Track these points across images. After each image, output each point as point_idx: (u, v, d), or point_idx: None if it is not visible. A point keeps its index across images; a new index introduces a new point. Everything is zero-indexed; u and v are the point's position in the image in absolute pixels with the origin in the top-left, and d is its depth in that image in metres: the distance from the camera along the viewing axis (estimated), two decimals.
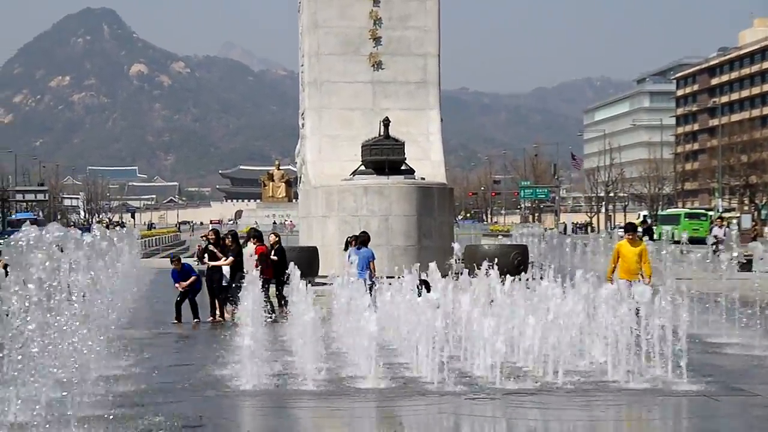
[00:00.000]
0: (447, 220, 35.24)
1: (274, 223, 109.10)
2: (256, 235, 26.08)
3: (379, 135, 33.41)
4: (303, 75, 38.81)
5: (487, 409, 13.90)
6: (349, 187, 33.41)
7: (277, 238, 26.67)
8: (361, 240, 24.63)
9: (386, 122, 33.04)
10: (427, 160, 36.13)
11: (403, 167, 33.58)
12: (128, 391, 14.73)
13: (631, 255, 21.47)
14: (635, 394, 14.73)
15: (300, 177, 39.60)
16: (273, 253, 25.77)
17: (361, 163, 33.81)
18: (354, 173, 33.81)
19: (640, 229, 27.74)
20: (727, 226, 35.00)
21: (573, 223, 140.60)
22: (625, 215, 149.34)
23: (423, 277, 20.96)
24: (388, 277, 24.63)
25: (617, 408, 14.09)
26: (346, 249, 26.01)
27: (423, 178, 33.89)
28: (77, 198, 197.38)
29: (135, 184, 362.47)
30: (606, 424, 13.45)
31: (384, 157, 33.22)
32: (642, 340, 16.20)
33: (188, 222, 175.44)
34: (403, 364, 17.29)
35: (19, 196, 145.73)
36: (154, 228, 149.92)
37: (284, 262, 24.55)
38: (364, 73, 37.37)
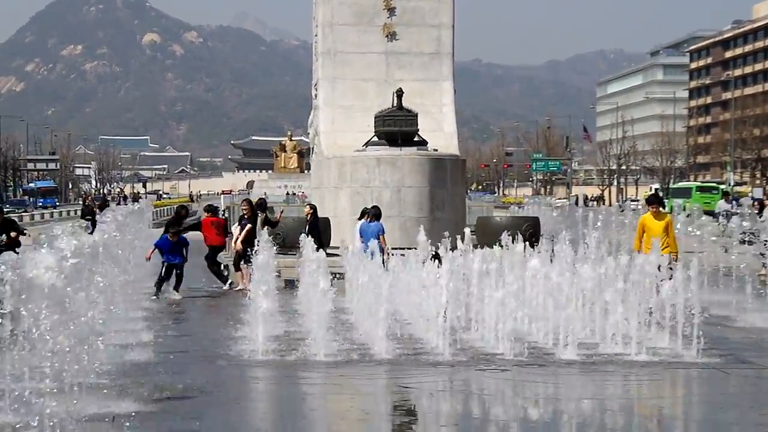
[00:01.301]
0: (459, 192, 35.25)
1: (287, 194, 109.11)
2: (210, 209, 27.60)
3: (393, 106, 33.36)
4: (317, 45, 38.75)
5: (499, 381, 13.98)
6: (362, 158, 33.40)
7: (311, 209, 27.51)
8: (372, 214, 24.72)
9: (400, 93, 32.97)
10: (440, 132, 36.08)
11: (416, 139, 33.53)
12: (140, 360, 14.84)
13: (657, 228, 20.41)
14: (646, 366, 14.80)
15: (312, 148, 39.60)
16: (308, 223, 26.74)
17: (374, 134, 33.79)
18: (367, 144, 33.79)
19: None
20: (734, 200, 34.81)
21: (585, 195, 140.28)
22: (636, 188, 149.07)
23: (435, 251, 21.01)
24: (394, 249, 24.82)
25: (629, 380, 14.14)
26: (361, 218, 26.13)
27: (436, 150, 33.87)
28: (89, 167, 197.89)
29: (147, 153, 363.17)
30: (618, 395, 13.52)
31: (397, 128, 33.16)
32: (656, 313, 16.22)
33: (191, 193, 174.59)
34: (413, 336, 17.36)
35: (30, 165, 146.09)
36: (163, 198, 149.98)
37: (319, 232, 26.29)
38: (378, 43, 37.28)
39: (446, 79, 37.59)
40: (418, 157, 32.95)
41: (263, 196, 37.30)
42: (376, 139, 33.76)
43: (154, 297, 23.82)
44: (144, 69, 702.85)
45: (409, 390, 13.37)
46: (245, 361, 15.04)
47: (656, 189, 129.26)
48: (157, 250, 24.60)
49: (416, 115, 33.42)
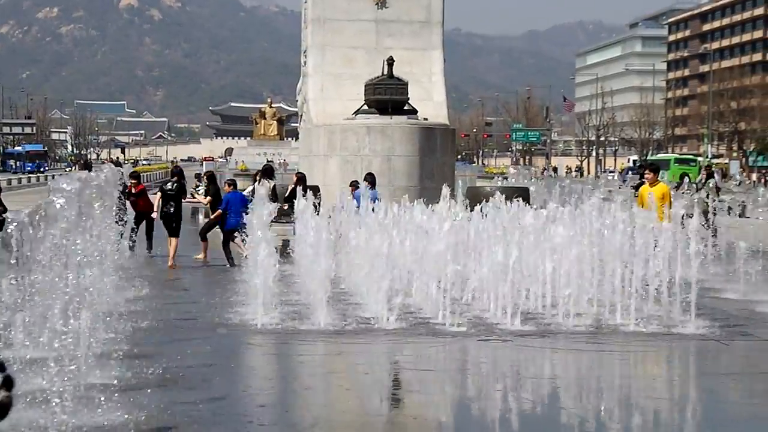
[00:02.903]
0: (449, 161, 35.43)
1: (268, 161, 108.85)
2: (134, 176, 27.88)
3: (383, 74, 33.48)
4: (306, 12, 38.79)
5: (498, 351, 14.22)
6: (352, 126, 33.54)
7: (299, 175, 27.71)
8: (369, 181, 24.97)
9: (390, 61, 33.08)
10: (430, 101, 36.25)
11: (406, 107, 33.70)
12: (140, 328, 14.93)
13: (653, 197, 20.70)
14: (645, 337, 15.03)
15: (301, 115, 39.70)
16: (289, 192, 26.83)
17: (364, 102, 33.92)
18: (357, 112, 33.93)
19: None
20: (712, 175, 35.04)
21: (566, 166, 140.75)
22: (615, 159, 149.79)
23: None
24: None
25: (627, 350, 14.40)
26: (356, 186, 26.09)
27: (426, 119, 34.04)
28: (65, 132, 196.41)
29: (123, 119, 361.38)
30: (617, 365, 13.81)
31: (387, 96, 33.31)
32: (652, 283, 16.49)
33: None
34: (411, 306, 17.47)
35: (6, 129, 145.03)
36: (138, 165, 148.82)
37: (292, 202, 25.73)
38: (368, 11, 37.34)
39: (436, 48, 37.73)
40: (408, 126, 33.11)
41: (270, 162, 37.35)
42: (366, 107, 33.89)
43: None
44: (121, 33, 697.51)
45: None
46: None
47: (634, 161, 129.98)
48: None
49: (407, 84, 33.55)
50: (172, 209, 25.13)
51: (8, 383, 6.07)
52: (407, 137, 32.95)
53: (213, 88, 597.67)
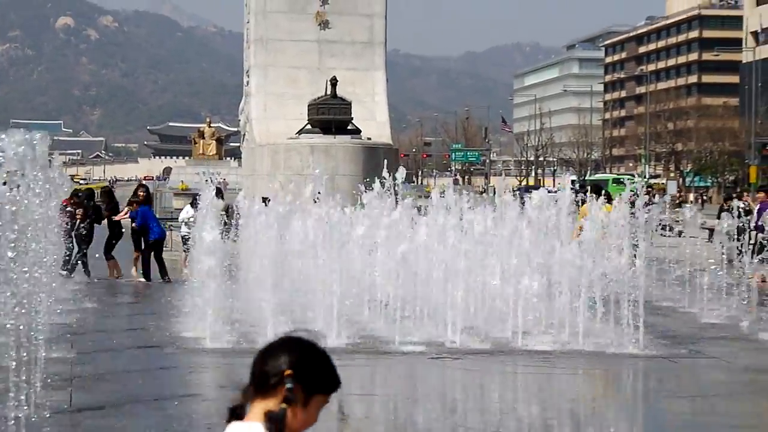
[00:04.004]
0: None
1: (220, 180, 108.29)
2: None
3: (326, 94, 33.60)
4: (249, 32, 38.83)
5: (447, 370, 14.30)
6: (296, 145, 33.61)
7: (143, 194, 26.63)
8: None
9: (334, 82, 33.22)
10: (373, 121, 36.39)
11: (349, 127, 33.84)
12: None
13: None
14: (594, 357, 15.15)
15: (244, 135, 39.67)
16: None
17: (307, 122, 34.02)
18: (300, 132, 34.01)
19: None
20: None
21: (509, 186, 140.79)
22: (554, 179, 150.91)
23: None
24: None
25: (579, 369, 14.57)
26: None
27: (369, 138, 34.21)
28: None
29: (60, 138, 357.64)
30: (570, 384, 14.00)
31: (331, 116, 33.43)
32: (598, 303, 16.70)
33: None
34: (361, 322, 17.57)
35: None
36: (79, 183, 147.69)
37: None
38: (311, 31, 37.45)
39: (378, 69, 37.92)
40: (351, 146, 33.25)
41: (222, 181, 37.32)
42: (309, 126, 33.98)
43: None
44: (57, 53, 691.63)
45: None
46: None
47: (573, 180, 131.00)
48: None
49: (350, 104, 33.69)
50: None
51: None
52: (351, 156, 33.08)
53: (151, 107, 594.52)
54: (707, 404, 12.40)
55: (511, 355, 15.00)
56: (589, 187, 22.46)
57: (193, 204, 26.64)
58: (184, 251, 25.06)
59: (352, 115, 33.80)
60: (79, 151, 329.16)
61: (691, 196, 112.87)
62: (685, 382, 13.94)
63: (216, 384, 13.43)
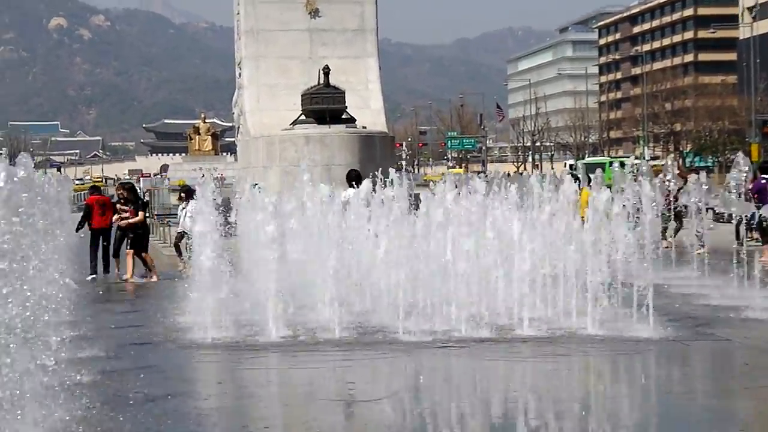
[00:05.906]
0: (388, 168, 35.09)
1: (202, 176, 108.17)
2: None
3: (319, 83, 33.15)
4: (239, 24, 38.35)
5: (458, 360, 13.89)
6: (290, 136, 33.16)
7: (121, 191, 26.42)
8: (354, 177, 24.61)
9: (327, 71, 32.73)
10: (367, 109, 35.94)
11: (344, 116, 33.40)
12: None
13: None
14: (604, 341, 14.70)
15: (238, 128, 39.24)
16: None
17: (301, 112, 33.58)
18: (294, 123, 33.57)
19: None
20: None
21: (506, 172, 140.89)
22: (551, 164, 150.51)
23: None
24: None
25: (589, 355, 14.13)
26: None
27: (364, 127, 33.77)
28: (0, 153, 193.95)
29: (58, 139, 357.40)
30: (581, 371, 13.59)
31: (325, 106, 32.96)
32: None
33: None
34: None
35: None
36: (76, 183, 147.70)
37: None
38: (301, 20, 36.97)
39: (371, 56, 37.47)
40: (347, 135, 32.81)
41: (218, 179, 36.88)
42: (303, 117, 33.55)
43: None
44: (51, 54, 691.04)
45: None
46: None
47: (570, 165, 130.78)
48: None
49: (344, 93, 33.25)
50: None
51: None
52: (346, 146, 32.66)
53: (145, 105, 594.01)
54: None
55: (523, 343, 14.58)
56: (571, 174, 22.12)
57: (186, 197, 26.27)
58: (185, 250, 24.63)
59: (346, 104, 33.38)
60: (77, 151, 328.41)
61: (693, 177, 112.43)
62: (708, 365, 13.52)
63: (214, 381, 13.04)
